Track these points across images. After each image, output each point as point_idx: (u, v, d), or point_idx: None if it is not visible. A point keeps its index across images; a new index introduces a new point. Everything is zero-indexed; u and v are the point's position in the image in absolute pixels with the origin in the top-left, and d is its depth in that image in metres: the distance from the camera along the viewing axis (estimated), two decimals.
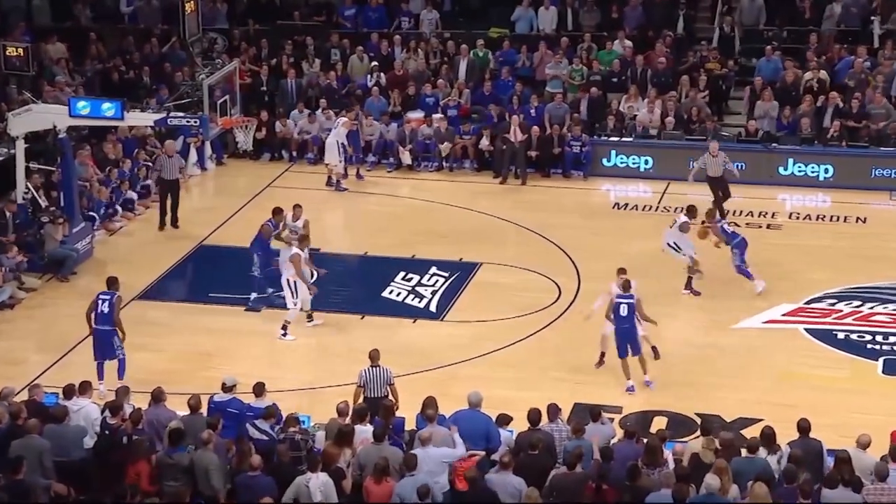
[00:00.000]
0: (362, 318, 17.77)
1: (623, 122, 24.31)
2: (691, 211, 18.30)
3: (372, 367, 13.82)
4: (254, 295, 17.96)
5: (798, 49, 25.32)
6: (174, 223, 21.25)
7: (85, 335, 16.36)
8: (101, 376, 15.21)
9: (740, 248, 18.23)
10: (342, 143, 22.64)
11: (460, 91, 24.95)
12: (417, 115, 24.62)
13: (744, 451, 12.10)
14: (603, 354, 15.95)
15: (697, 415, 14.60)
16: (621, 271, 15.95)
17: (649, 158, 23.70)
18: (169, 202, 21.18)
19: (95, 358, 15.38)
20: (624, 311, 15.37)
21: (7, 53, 19.73)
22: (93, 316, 15.40)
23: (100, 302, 15.38)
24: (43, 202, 19.55)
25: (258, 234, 17.95)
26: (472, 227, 21.23)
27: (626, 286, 15.56)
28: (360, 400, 13.55)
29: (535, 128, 23.63)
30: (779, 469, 11.80)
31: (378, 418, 12.66)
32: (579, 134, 23.51)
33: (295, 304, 16.87)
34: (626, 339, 15.44)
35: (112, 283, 15.67)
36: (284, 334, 16.89)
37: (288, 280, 16.85)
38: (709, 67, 24.90)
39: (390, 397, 13.63)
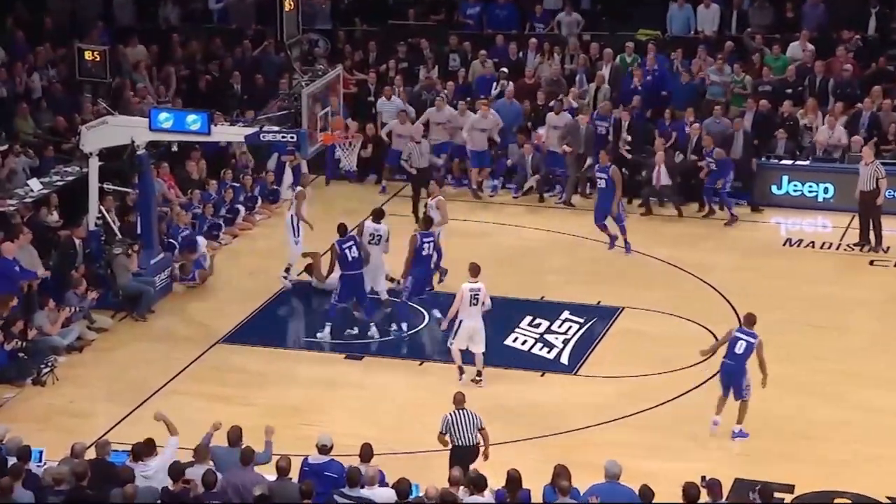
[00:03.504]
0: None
1: (798, 142, 24.06)
2: None
3: (457, 410, 14.26)
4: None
5: None
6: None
7: (163, 384, 17.08)
8: (324, 323, 18.41)
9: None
10: None
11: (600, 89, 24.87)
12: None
13: None
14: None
15: (889, 499, 14.32)
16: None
17: (830, 186, 23.43)
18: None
19: (342, 299, 18.36)
20: (740, 347, 15.61)
21: (84, 58, 20.29)
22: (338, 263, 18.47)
23: (347, 251, 18.24)
24: (116, 228, 20.10)
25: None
26: (613, 265, 21.24)
27: (749, 321, 15.84)
28: (450, 446, 14.09)
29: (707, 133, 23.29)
30: None
31: (501, 489, 12.75)
32: (710, 148, 23.10)
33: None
34: (728, 375, 15.75)
35: (345, 228, 18.58)
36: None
37: None
38: None
39: (481, 444, 14.15)
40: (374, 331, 18.66)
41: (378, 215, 19.22)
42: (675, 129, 23.92)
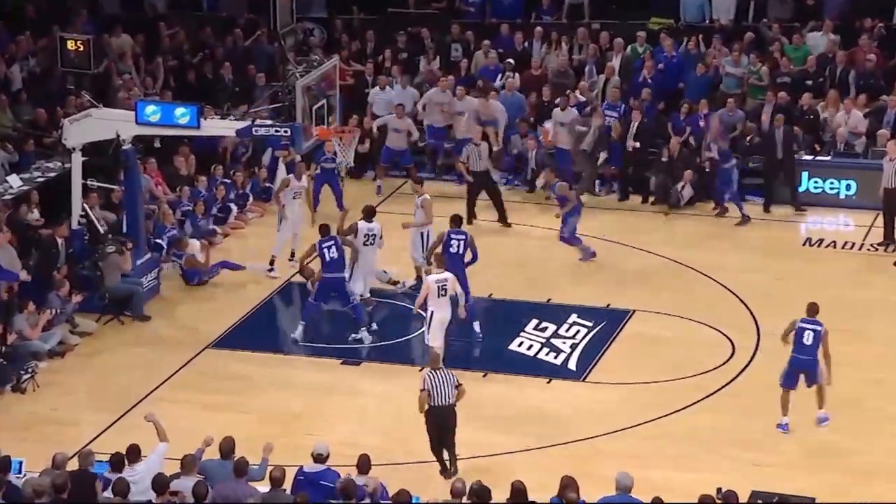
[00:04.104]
0: (485, 375, 17.88)
1: (818, 136, 24.02)
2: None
3: (434, 371, 15.02)
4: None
5: None
6: (504, 220, 22.61)
7: (150, 390, 17.10)
8: (303, 318, 18.73)
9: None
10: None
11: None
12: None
13: None
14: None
15: None
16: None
17: (852, 182, 23.43)
18: (479, 199, 22.73)
19: (318, 299, 18.60)
20: (808, 338, 15.88)
21: (67, 48, 20.27)
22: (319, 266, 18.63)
23: (326, 250, 18.33)
24: (102, 226, 20.07)
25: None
26: (623, 266, 21.22)
27: (812, 310, 16.10)
28: (426, 408, 14.82)
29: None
30: None
31: (506, 502, 12.72)
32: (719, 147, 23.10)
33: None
34: (802, 368, 16.00)
35: (327, 229, 18.65)
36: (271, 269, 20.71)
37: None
38: None
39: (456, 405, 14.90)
40: (364, 334, 18.70)
41: (369, 214, 19.24)
42: (690, 124, 23.88)
